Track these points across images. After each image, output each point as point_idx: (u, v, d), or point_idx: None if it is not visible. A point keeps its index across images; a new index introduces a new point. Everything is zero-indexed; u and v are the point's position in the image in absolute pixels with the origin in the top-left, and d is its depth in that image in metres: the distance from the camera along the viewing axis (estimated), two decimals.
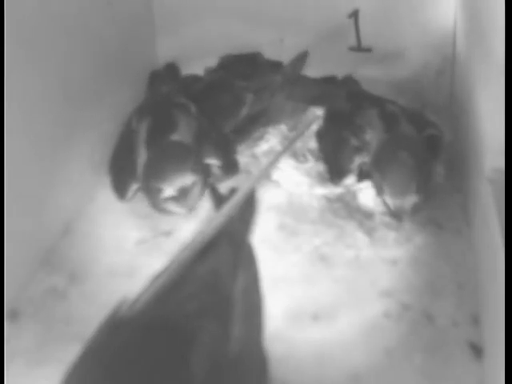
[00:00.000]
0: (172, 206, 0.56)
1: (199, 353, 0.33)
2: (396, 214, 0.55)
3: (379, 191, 0.57)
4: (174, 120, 0.61)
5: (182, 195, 0.55)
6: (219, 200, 0.52)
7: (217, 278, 0.40)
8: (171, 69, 0.76)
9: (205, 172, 0.59)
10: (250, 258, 0.44)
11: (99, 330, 0.36)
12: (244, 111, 0.67)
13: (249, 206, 0.49)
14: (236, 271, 0.41)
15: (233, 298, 0.39)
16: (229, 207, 0.46)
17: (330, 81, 0.72)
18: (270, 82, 0.70)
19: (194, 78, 0.73)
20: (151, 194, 0.56)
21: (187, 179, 0.55)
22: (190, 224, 0.57)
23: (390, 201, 0.55)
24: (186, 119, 0.62)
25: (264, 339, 0.40)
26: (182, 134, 0.60)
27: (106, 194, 0.61)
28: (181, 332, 0.34)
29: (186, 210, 0.56)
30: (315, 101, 0.70)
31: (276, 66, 0.73)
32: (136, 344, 0.34)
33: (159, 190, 0.55)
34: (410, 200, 0.55)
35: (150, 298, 0.38)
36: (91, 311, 0.49)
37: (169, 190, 0.55)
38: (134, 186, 0.58)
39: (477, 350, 0.45)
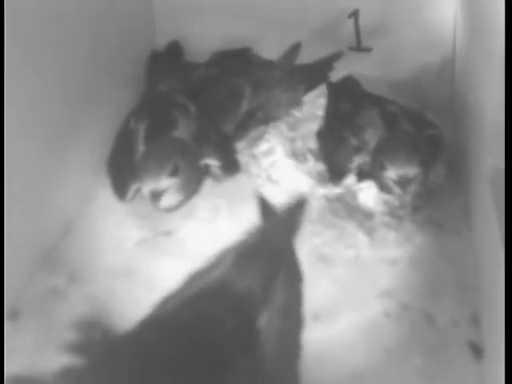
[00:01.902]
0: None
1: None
2: (401, 185, 0.55)
3: (380, 178, 0.57)
4: (173, 120, 0.61)
5: (155, 197, 0.55)
6: (268, 211, 0.52)
7: (250, 295, 0.38)
8: (173, 49, 0.75)
9: (200, 171, 0.59)
10: (293, 274, 0.43)
11: (134, 326, 0.35)
12: (244, 105, 0.67)
13: (295, 219, 0.48)
14: (272, 288, 0.39)
15: (263, 320, 0.37)
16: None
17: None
18: (267, 77, 0.70)
19: (191, 68, 0.72)
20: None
21: (162, 183, 0.55)
22: (190, 224, 0.57)
23: (393, 174, 0.55)
24: (185, 120, 0.62)
25: (299, 361, 0.39)
26: (181, 134, 0.60)
27: (106, 194, 0.61)
28: (216, 358, 0.34)
29: (165, 210, 0.56)
30: (308, 86, 0.71)
31: (268, 64, 0.73)
32: (169, 352, 0.33)
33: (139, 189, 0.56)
34: (413, 170, 0.55)
35: (179, 306, 0.37)
36: (91, 311, 0.49)
37: (144, 190, 0.55)
38: (134, 187, 0.58)
39: (477, 350, 0.45)
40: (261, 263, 0.40)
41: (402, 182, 0.55)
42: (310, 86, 0.71)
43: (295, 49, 0.73)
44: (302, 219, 0.50)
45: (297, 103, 0.70)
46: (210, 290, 0.38)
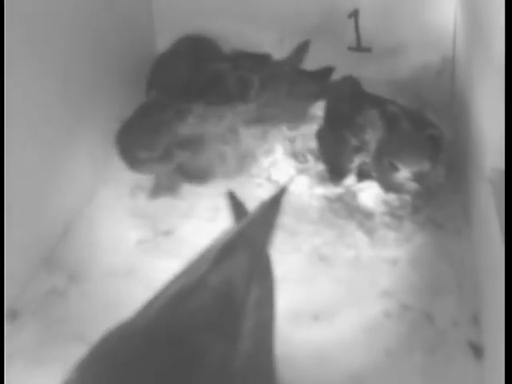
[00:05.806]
0: None
1: (204, 372, 0.33)
2: (417, 180, 0.56)
3: (388, 179, 0.57)
4: None
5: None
6: (238, 207, 0.52)
7: (230, 289, 0.38)
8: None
9: None
10: (266, 268, 0.43)
11: (103, 339, 0.35)
12: (252, 94, 0.66)
13: (273, 210, 0.48)
14: (251, 282, 0.39)
15: (244, 312, 0.38)
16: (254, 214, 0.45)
17: (326, 74, 0.72)
18: (275, 73, 0.69)
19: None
20: None
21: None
22: (190, 224, 0.57)
23: (407, 173, 0.55)
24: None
25: (274, 354, 0.39)
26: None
27: (106, 193, 0.61)
28: (187, 348, 0.33)
29: None
30: (315, 97, 0.70)
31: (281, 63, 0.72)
32: (140, 356, 0.33)
33: None
34: (426, 165, 0.55)
35: (161, 306, 0.37)
36: (91, 311, 0.49)
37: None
38: None
39: (477, 350, 0.45)
40: (239, 258, 0.40)
41: (418, 178, 0.56)
42: (316, 100, 0.70)
43: (304, 46, 0.71)
44: (279, 211, 0.49)
45: (302, 111, 0.70)
46: (188, 287, 0.38)
